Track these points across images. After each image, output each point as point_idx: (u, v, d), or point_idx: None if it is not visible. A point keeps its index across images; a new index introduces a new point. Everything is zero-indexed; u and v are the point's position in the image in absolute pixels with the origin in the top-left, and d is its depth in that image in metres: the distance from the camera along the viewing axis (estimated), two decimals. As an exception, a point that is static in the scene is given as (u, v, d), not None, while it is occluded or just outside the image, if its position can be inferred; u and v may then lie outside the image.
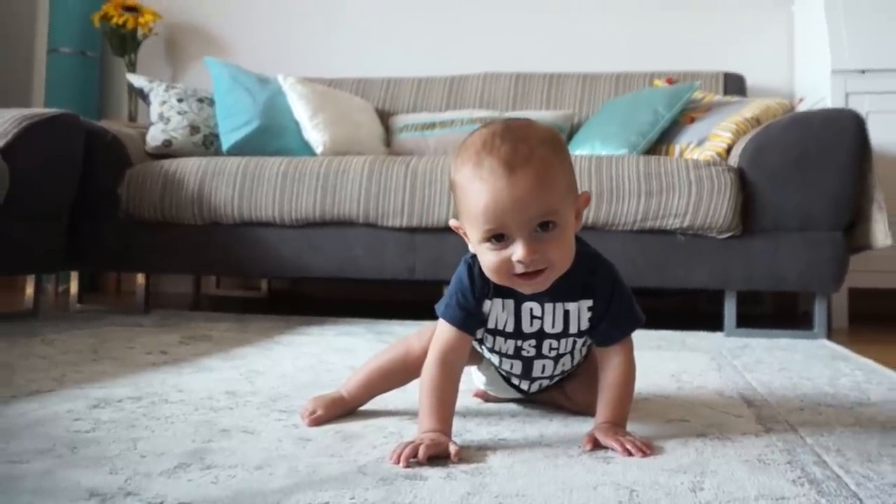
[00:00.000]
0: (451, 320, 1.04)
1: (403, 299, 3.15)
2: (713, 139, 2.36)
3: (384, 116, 3.08)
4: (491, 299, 1.05)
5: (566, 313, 1.05)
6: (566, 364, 1.13)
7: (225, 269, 2.56)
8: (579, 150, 2.52)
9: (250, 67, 3.10)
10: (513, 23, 3.40)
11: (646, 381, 1.46)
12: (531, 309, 1.05)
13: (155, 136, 2.65)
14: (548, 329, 1.06)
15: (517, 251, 0.92)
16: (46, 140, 2.24)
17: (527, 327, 1.06)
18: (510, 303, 1.05)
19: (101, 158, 2.46)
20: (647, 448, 0.97)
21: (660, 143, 2.48)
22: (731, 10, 3.27)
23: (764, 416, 1.20)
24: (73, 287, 2.63)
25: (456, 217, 1.04)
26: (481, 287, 1.04)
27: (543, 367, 1.12)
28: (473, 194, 0.94)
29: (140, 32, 3.41)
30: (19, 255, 2.24)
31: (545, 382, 1.16)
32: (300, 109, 2.70)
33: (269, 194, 2.35)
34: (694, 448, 1.00)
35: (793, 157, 2.12)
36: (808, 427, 1.13)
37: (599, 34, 3.34)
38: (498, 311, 1.06)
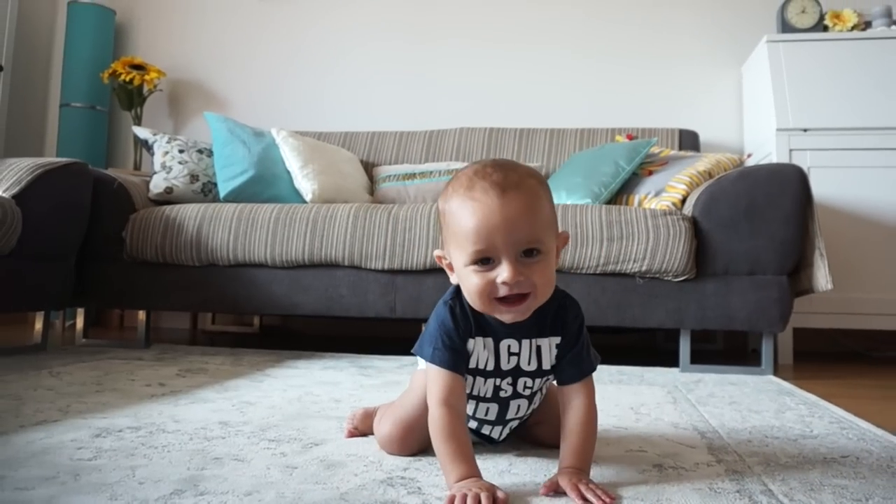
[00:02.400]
0: (442, 363, 0.96)
1: (385, 335, 3.16)
2: (669, 190, 2.39)
3: (368, 167, 3.10)
4: (473, 338, 0.99)
5: (538, 349, 1.00)
6: (536, 402, 1.08)
7: (220, 307, 2.54)
8: (548, 200, 2.55)
9: (246, 121, 3.14)
10: (486, 82, 3.45)
11: (606, 414, 1.47)
12: (509, 346, 0.99)
13: (157, 184, 2.66)
14: (524, 366, 1.01)
15: (503, 272, 0.88)
16: (57, 187, 2.24)
17: (505, 364, 1.00)
18: (489, 341, 0.99)
19: (108, 204, 2.46)
20: (607, 497, 0.87)
21: (620, 194, 2.51)
22: (686, 73, 3.34)
23: (715, 447, 1.20)
24: (80, 322, 2.61)
25: (440, 247, 1.00)
26: (465, 326, 0.98)
27: (518, 407, 1.05)
28: (464, 215, 0.90)
29: (145, 88, 3.45)
30: (30, 292, 2.23)
31: (514, 424, 1.10)
32: (292, 160, 2.71)
33: (262, 238, 2.36)
34: (651, 477, 1.01)
35: (742, 207, 2.14)
36: (755, 457, 1.14)
37: (565, 93, 3.39)
38: (479, 350, 0.99)
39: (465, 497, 0.83)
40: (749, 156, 2.91)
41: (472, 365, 1.00)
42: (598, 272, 2.20)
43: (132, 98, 3.41)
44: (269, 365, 2.10)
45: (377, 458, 1.08)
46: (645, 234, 2.16)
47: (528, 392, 1.04)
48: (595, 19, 3.41)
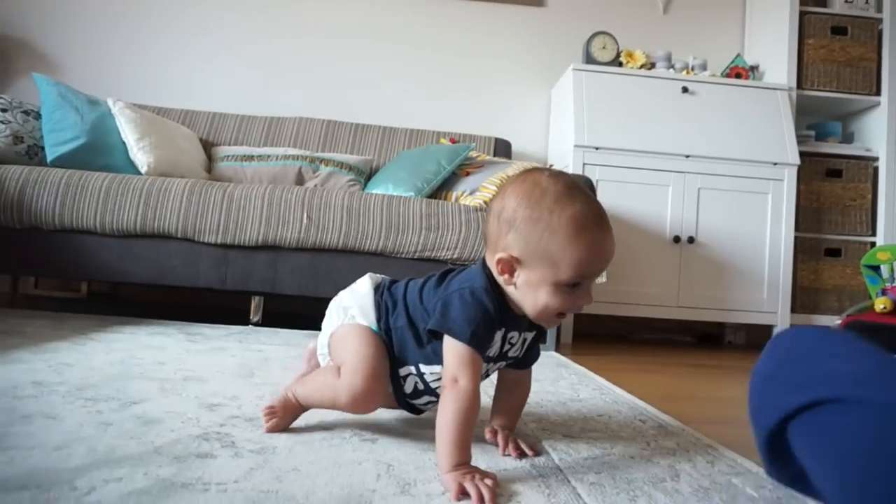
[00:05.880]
0: (480, 348, 0.89)
1: (215, 305, 3.04)
2: (482, 190, 2.48)
3: (207, 146, 2.95)
4: (498, 329, 0.94)
5: (525, 340, 1.01)
6: None
7: (44, 272, 2.31)
8: (375, 190, 2.57)
9: (80, 88, 2.87)
10: (324, 75, 3.37)
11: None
12: (511, 336, 0.97)
13: (-23, 142, 2.36)
14: (511, 354, 1.00)
15: (584, 296, 0.89)
16: None
17: (504, 351, 0.98)
18: (502, 332, 0.95)
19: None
20: (531, 450, 0.99)
21: (440, 190, 2.57)
22: (506, 90, 3.46)
23: (500, 408, 1.29)
24: None
25: (498, 249, 0.90)
26: (497, 318, 0.92)
27: None
28: (578, 243, 0.85)
29: (-31, 42, 3.04)
30: None
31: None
32: (128, 132, 2.50)
33: (92, 206, 2.18)
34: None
35: (539, 208, 2.28)
36: (531, 416, 1.23)
37: (399, 95, 3.40)
38: (496, 340, 0.95)
39: (475, 489, 0.79)
40: (551, 166, 3.10)
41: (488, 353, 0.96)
42: (415, 257, 2.24)
43: (-47, 51, 3.00)
44: (93, 330, 1.94)
45: (196, 416, 1.05)
46: (458, 227, 2.24)
47: (492, 374, 1.05)
48: (430, 33, 3.45)
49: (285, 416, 1.03)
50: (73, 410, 1.03)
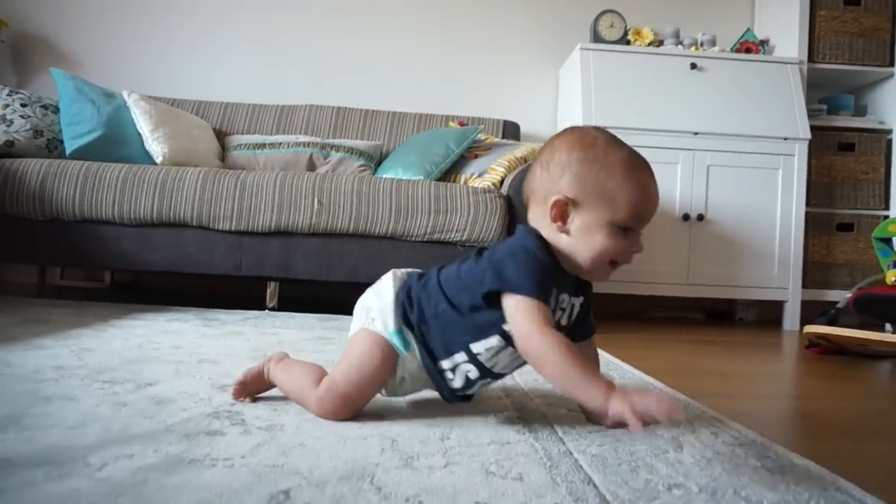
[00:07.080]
0: (546, 299, 0.86)
1: (230, 291, 3.07)
2: (491, 172, 2.48)
3: (220, 135, 2.96)
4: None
5: (573, 307, 0.96)
6: None
7: (67, 261, 2.34)
8: (385, 174, 2.57)
9: (97, 83, 2.89)
10: (334, 64, 3.37)
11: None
12: (562, 301, 0.92)
13: (-2, 137, 2.40)
14: (562, 322, 0.94)
15: (636, 243, 0.90)
16: None
17: (556, 318, 0.92)
18: (555, 292, 0.90)
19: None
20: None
21: (450, 173, 2.57)
22: (514, 72, 3.45)
23: (508, 386, 1.28)
24: None
25: (551, 193, 0.89)
26: (552, 273, 0.89)
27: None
28: (634, 185, 0.87)
29: (-15, 38, 3.07)
30: None
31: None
32: (143, 123, 2.52)
33: (110, 196, 2.20)
34: (444, 409, 1.05)
35: (548, 189, 2.27)
36: (537, 392, 1.24)
37: (407, 80, 3.39)
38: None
39: (645, 405, 0.75)
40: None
41: None
42: (425, 239, 2.24)
43: (-29, 47, 3.03)
44: (114, 317, 1.97)
45: (207, 396, 1.07)
46: (466, 209, 2.23)
47: None
48: (437, 16, 3.43)
49: (254, 389, 1.06)
50: (90, 392, 1.05)
